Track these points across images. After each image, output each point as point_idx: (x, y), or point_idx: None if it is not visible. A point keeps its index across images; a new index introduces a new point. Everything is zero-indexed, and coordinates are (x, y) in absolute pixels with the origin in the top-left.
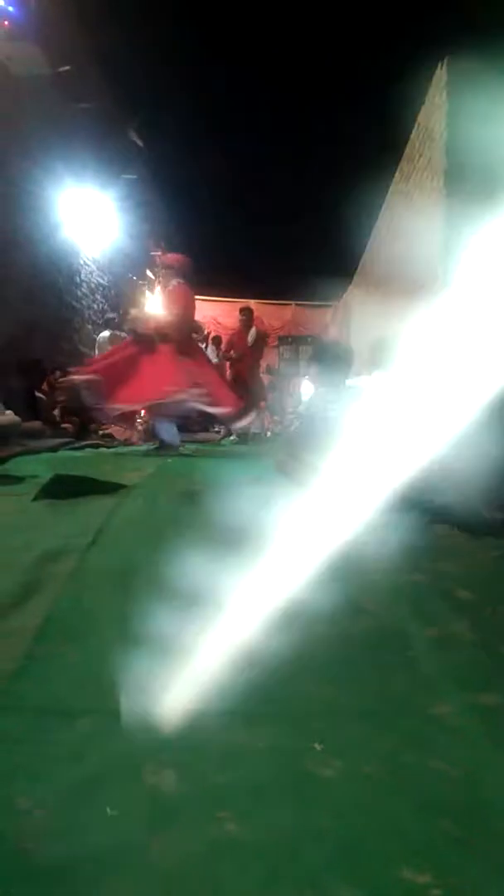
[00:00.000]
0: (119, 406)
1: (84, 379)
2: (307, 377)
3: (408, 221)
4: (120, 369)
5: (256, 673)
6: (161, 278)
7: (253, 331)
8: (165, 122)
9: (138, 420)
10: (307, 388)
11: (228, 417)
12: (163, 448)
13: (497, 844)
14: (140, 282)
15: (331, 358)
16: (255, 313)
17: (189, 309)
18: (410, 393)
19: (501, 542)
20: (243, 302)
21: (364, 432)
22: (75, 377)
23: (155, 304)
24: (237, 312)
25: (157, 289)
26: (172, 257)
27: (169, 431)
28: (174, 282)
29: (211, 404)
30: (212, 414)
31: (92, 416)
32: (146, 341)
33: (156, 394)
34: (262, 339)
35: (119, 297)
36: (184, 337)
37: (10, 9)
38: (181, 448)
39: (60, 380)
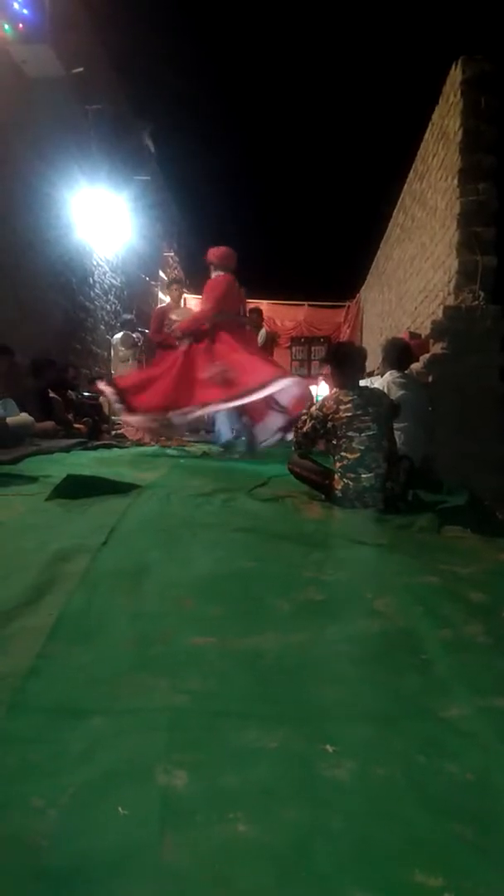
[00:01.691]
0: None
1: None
2: (321, 377)
3: (421, 221)
4: (159, 377)
5: (269, 674)
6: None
7: (263, 332)
8: (178, 122)
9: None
10: (323, 389)
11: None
12: (227, 451)
13: None
14: (152, 282)
15: (344, 358)
16: (265, 314)
17: (226, 298)
18: (422, 391)
19: None
20: (255, 303)
21: (374, 431)
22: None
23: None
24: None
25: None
26: (211, 251)
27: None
28: (214, 274)
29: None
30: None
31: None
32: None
33: (193, 401)
34: (271, 340)
35: (132, 297)
36: (221, 325)
37: (25, 11)
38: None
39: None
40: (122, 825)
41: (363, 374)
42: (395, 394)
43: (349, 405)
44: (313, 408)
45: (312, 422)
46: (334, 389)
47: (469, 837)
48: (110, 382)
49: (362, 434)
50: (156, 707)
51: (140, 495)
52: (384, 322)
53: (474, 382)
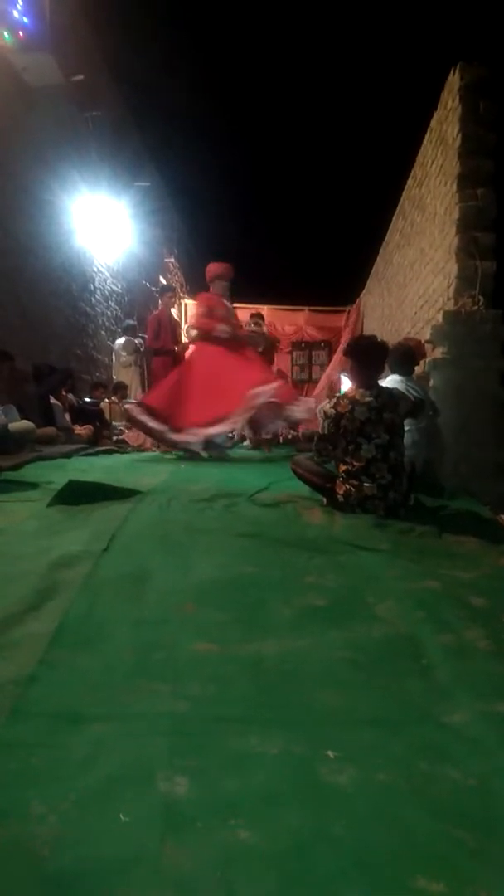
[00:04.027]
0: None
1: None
2: (344, 373)
3: (420, 226)
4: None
5: (270, 680)
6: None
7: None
8: (177, 129)
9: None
10: (346, 384)
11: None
12: (214, 451)
13: None
14: (153, 288)
15: (362, 353)
16: (266, 319)
17: (212, 313)
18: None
19: None
20: (256, 307)
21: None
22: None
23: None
24: (248, 318)
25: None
26: (210, 267)
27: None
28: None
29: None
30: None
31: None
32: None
33: (238, 400)
34: (271, 345)
35: (133, 303)
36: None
37: (25, 20)
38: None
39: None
40: (123, 831)
41: (383, 371)
42: None
43: (364, 408)
44: (327, 405)
45: (328, 421)
46: (351, 386)
47: (470, 843)
48: (142, 406)
49: (371, 442)
50: (157, 713)
51: (141, 501)
52: (384, 327)
53: (474, 387)
